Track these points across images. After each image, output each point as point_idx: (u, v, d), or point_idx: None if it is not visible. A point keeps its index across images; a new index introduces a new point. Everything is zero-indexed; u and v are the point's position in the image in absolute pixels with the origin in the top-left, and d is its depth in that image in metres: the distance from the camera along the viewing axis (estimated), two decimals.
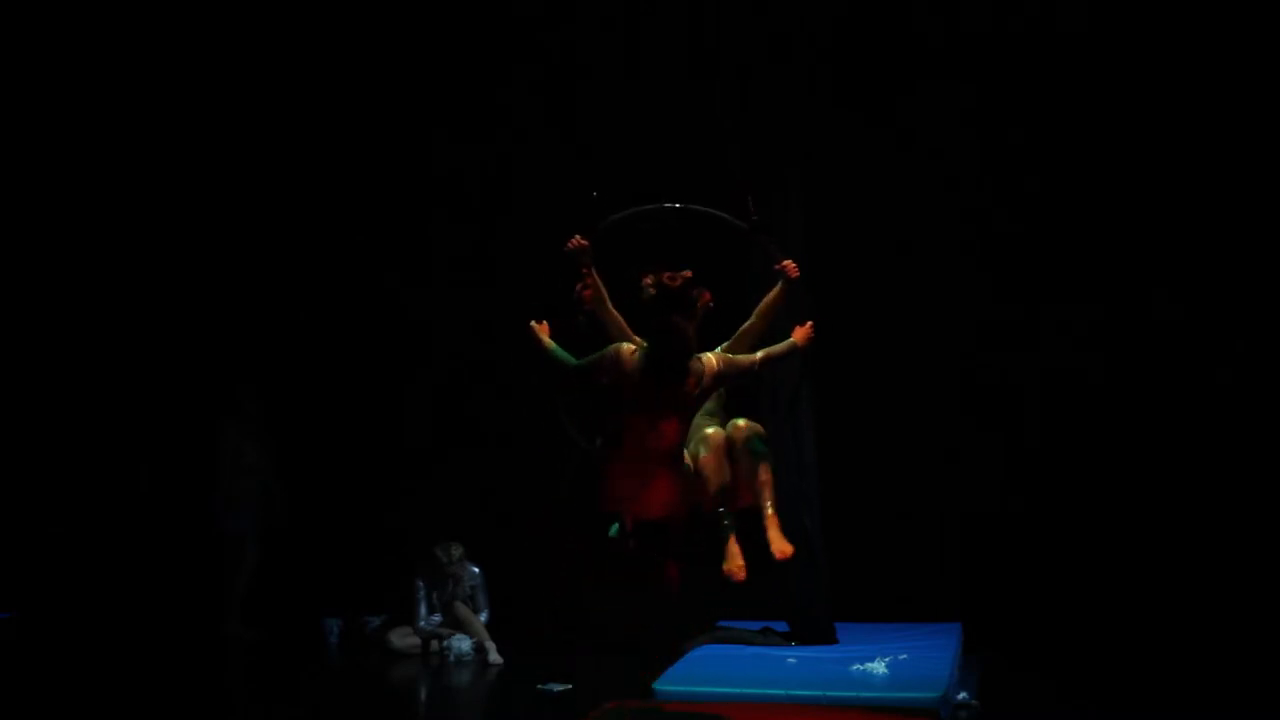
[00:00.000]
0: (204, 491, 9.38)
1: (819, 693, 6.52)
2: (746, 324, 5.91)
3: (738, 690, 6.57)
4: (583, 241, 5.75)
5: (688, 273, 5.60)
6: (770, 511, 5.77)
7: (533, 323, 5.71)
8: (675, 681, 6.73)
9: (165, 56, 9.94)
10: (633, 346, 5.47)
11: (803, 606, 7.98)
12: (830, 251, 8.48)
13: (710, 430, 5.74)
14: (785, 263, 5.94)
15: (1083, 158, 8.77)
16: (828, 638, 7.92)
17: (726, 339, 5.83)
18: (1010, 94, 8.81)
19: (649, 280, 5.52)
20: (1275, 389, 8.41)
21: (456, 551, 8.68)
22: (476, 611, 8.66)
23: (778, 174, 8.02)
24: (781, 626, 8.08)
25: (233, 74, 9.92)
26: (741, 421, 5.87)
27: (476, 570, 8.79)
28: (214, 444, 9.40)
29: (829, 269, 8.42)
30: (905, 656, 7.16)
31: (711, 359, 5.52)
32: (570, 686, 7.22)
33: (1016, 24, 8.74)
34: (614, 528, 5.69)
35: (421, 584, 8.70)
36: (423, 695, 7.95)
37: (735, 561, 5.69)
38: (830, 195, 8.59)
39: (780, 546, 5.70)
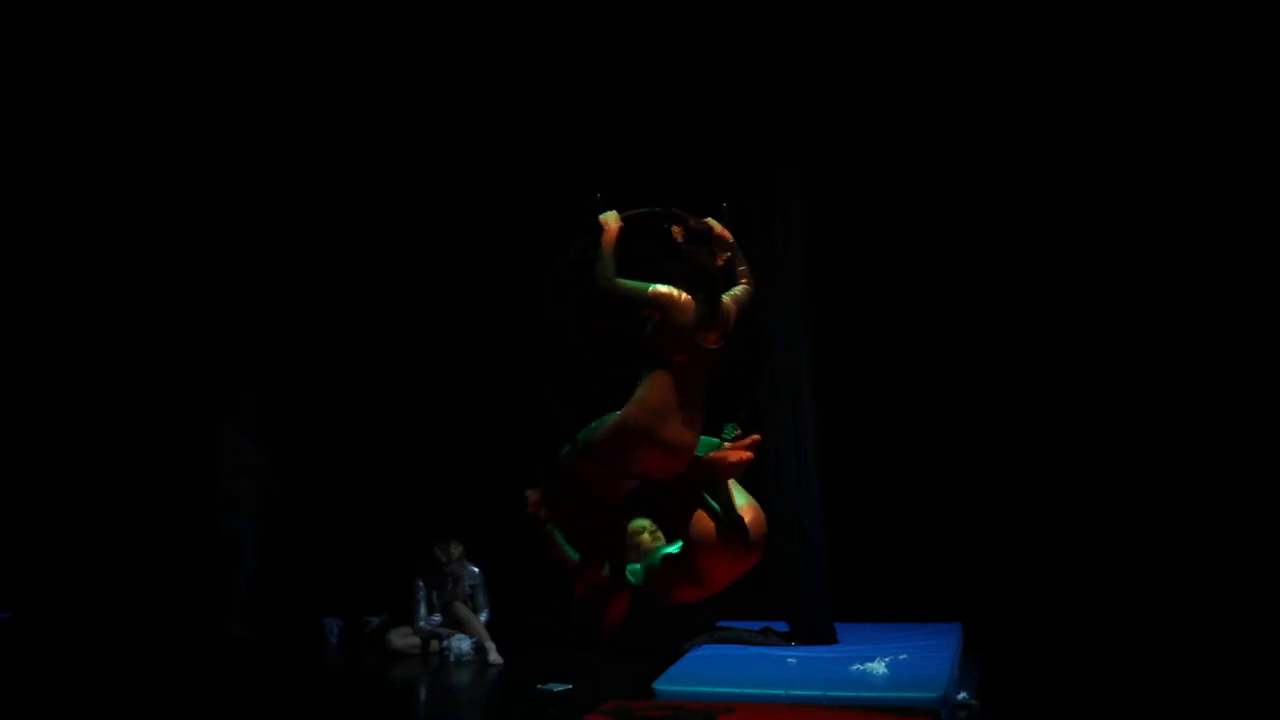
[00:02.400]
0: (204, 491, 9.39)
1: (819, 693, 6.53)
2: None
3: (738, 690, 6.58)
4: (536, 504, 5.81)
5: (709, 220, 5.77)
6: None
7: (614, 215, 5.65)
8: (675, 681, 6.74)
9: (165, 58, 9.95)
10: (679, 292, 5.55)
11: (803, 606, 7.99)
12: (831, 252, 8.50)
13: None
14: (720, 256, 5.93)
15: (1086, 157, 8.76)
16: (828, 638, 7.92)
17: None
18: (1011, 92, 8.81)
19: (679, 230, 5.68)
20: (1274, 389, 8.40)
21: (456, 551, 8.68)
22: (476, 611, 8.66)
23: (777, 173, 8.04)
24: (781, 626, 8.09)
25: (236, 78, 9.93)
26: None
27: (476, 570, 8.78)
28: (214, 444, 9.41)
29: (829, 269, 8.44)
30: (905, 656, 7.16)
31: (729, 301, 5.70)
32: (570, 686, 7.22)
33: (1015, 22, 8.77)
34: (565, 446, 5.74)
35: (421, 584, 8.70)
36: (423, 695, 7.95)
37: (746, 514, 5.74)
38: (830, 195, 8.60)
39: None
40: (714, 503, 5.70)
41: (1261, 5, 8.37)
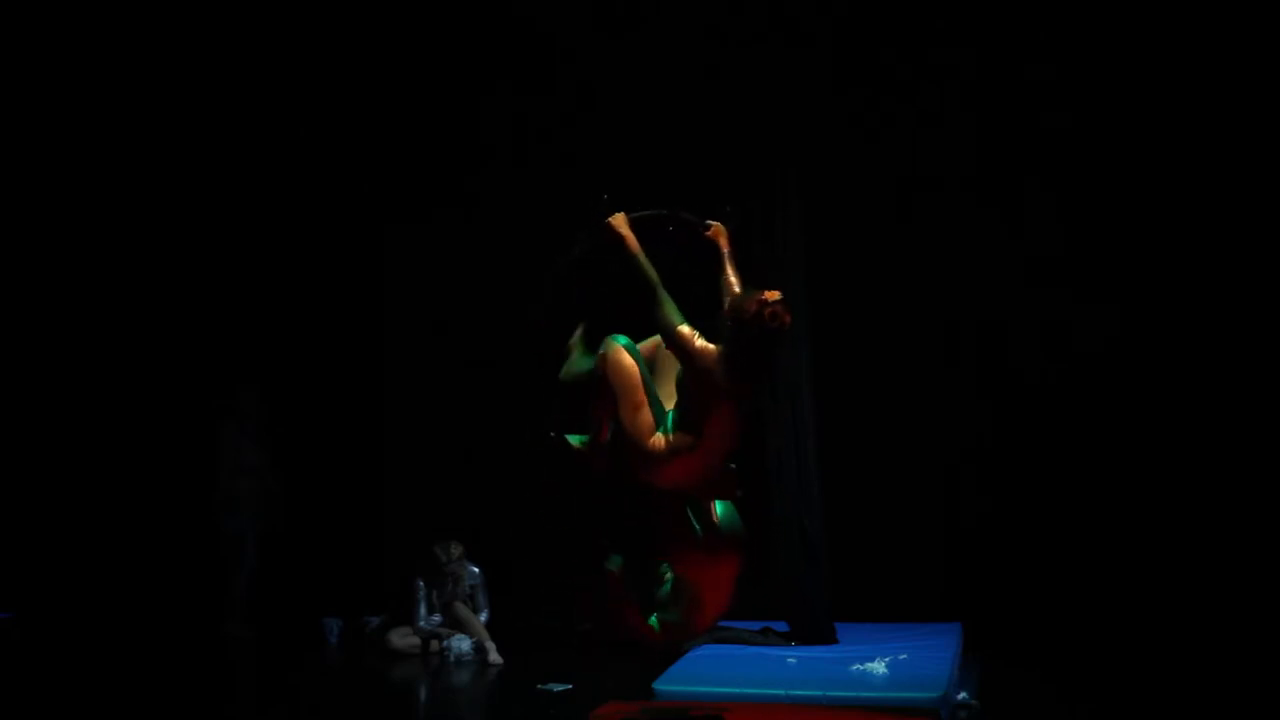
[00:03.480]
0: (204, 491, 9.39)
1: (819, 693, 6.52)
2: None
3: (738, 690, 6.57)
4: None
5: (715, 224, 5.66)
6: None
7: (620, 217, 5.42)
8: (675, 681, 6.73)
9: (165, 58, 9.95)
10: (707, 344, 5.27)
11: (803, 606, 7.98)
12: (831, 252, 8.50)
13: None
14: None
15: (1086, 157, 8.75)
16: (828, 638, 7.92)
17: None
18: (1011, 92, 8.81)
19: (764, 306, 5.23)
20: (1275, 389, 8.40)
21: (456, 551, 8.68)
22: (476, 611, 8.66)
23: (777, 173, 8.04)
24: (781, 626, 8.09)
25: (235, 78, 9.92)
26: None
27: (476, 570, 8.78)
28: (214, 444, 9.41)
29: (829, 269, 8.44)
30: (905, 656, 7.16)
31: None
32: (570, 686, 7.22)
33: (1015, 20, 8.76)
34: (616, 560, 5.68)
35: (421, 584, 8.70)
36: (423, 695, 7.95)
37: None
38: (830, 195, 8.60)
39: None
40: (693, 518, 5.67)
41: (1261, 5, 8.37)
